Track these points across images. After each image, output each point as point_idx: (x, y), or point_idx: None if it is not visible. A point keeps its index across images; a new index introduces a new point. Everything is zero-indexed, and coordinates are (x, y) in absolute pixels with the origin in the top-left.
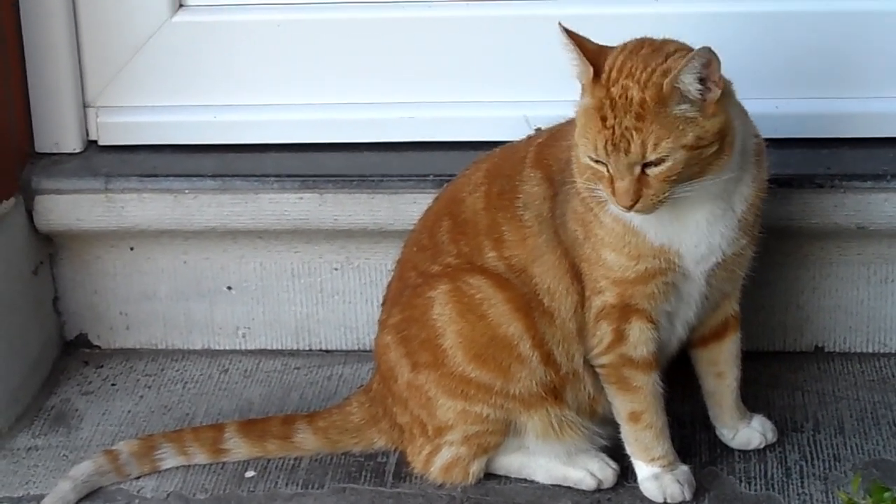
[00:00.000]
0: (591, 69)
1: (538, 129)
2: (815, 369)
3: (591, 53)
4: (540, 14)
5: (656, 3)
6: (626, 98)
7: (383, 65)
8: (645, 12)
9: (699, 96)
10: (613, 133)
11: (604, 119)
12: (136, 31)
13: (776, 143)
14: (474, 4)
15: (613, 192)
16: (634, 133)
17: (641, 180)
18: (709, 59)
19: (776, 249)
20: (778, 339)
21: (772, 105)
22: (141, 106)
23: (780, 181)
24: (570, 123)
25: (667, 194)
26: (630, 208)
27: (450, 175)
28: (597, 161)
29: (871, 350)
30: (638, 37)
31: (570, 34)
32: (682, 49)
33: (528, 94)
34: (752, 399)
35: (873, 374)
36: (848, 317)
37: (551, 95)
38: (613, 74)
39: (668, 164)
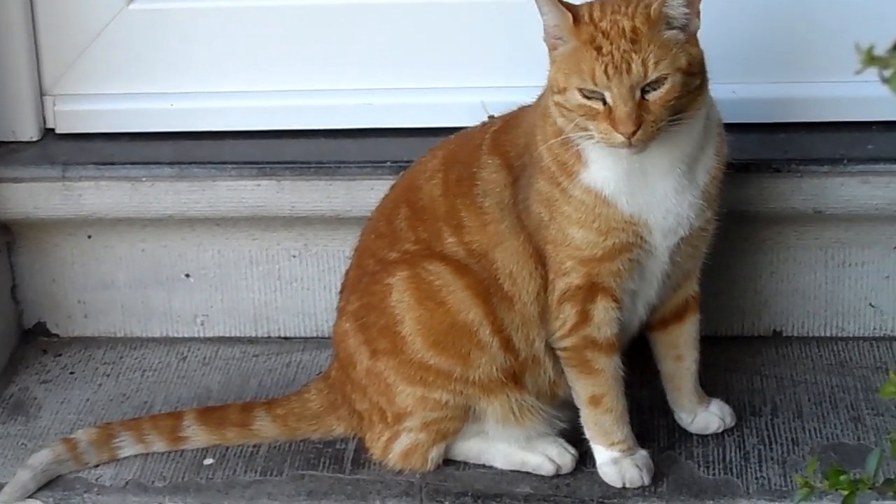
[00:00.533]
0: (570, 15)
1: (491, 117)
2: (774, 353)
3: (564, 5)
4: None
5: None
6: (619, 28)
7: (340, 51)
8: None
9: (685, 22)
10: (612, 57)
11: (599, 48)
12: (93, 19)
13: (734, 128)
14: None
15: (613, 124)
16: (634, 55)
17: (642, 105)
18: None
19: (734, 234)
20: (736, 324)
21: (729, 90)
22: (98, 94)
23: (738, 166)
24: (524, 110)
25: (662, 123)
26: (632, 135)
27: (407, 161)
28: (591, 96)
29: (828, 334)
30: None
31: None
32: None
33: (485, 80)
34: (710, 383)
35: (831, 357)
36: (806, 301)
37: (508, 81)
38: (597, 14)
39: (666, 86)
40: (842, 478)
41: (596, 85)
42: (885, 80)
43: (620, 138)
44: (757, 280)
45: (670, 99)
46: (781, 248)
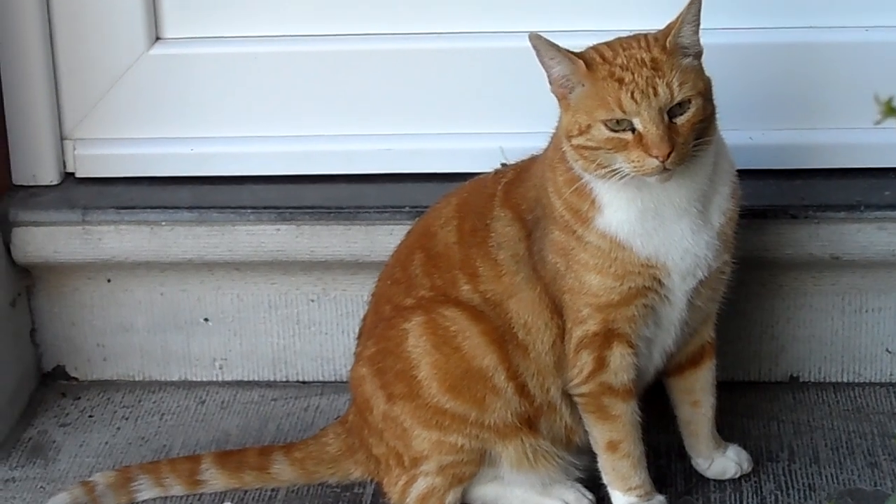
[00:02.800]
0: (582, 62)
1: (504, 164)
2: (790, 399)
3: (572, 52)
4: (513, 47)
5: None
6: (637, 59)
7: (359, 97)
8: None
9: (697, 49)
10: (637, 84)
11: (621, 80)
12: (114, 64)
13: (751, 175)
14: (449, 37)
15: (646, 148)
16: (658, 79)
17: (671, 128)
18: (699, 5)
19: (751, 280)
20: (753, 369)
21: (746, 136)
22: (118, 138)
23: (755, 212)
24: (534, 161)
25: (690, 146)
26: (667, 157)
27: (426, 206)
28: (618, 128)
29: (845, 380)
30: None
31: (546, 39)
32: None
33: (503, 126)
34: (727, 429)
35: (848, 403)
36: (822, 346)
37: (526, 127)
38: (608, 54)
39: (692, 108)
40: None
41: (625, 113)
42: None
43: (655, 162)
44: (774, 326)
45: (696, 122)
46: (798, 294)
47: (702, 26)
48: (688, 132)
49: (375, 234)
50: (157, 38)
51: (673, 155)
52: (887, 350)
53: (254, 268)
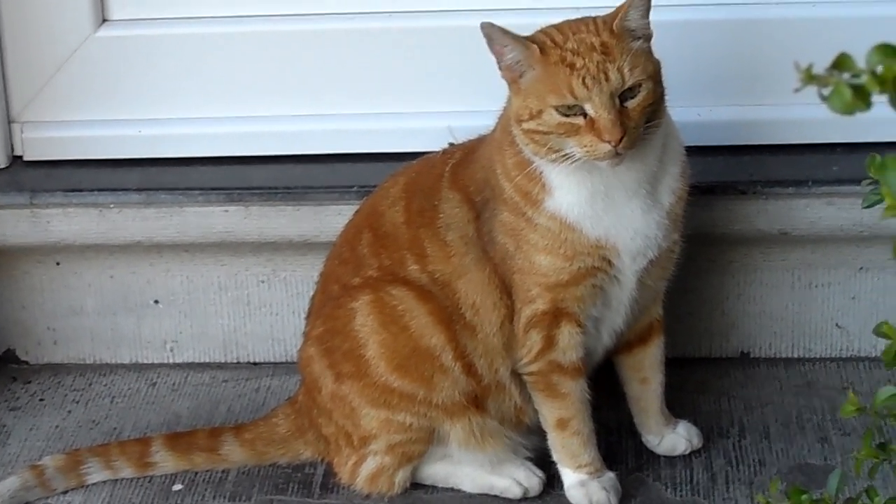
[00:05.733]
0: (536, 46)
1: (451, 144)
2: (741, 375)
3: (524, 37)
4: (461, 25)
5: (577, 13)
6: (587, 44)
7: (307, 77)
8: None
9: (645, 32)
10: (588, 70)
11: (572, 65)
12: (60, 47)
13: (699, 151)
14: (396, 16)
15: (598, 133)
16: (609, 64)
17: (623, 113)
18: None
19: (701, 256)
20: (704, 346)
21: (694, 113)
22: (66, 121)
23: (704, 188)
24: (481, 142)
25: (641, 130)
26: (619, 142)
27: (374, 186)
28: (570, 112)
29: (796, 355)
30: None
31: (498, 27)
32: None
33: (451, 105)
34: (678, 405)
35: (798, 378)
36: (773, 322)
37: (474, 105)
38: (559, 38)
39: (643, 92)
40: (803, 497)
41: (576, 98)
42: (824, 99)
43: (607, 147)
44: (724, 302)
45: (647, 105)
46: (748, 270)
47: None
48: (639, 116)
49: (324, 214)
50: (104, 20)
51: (625, 139)
52: (837, 325)
53: (203, 249)
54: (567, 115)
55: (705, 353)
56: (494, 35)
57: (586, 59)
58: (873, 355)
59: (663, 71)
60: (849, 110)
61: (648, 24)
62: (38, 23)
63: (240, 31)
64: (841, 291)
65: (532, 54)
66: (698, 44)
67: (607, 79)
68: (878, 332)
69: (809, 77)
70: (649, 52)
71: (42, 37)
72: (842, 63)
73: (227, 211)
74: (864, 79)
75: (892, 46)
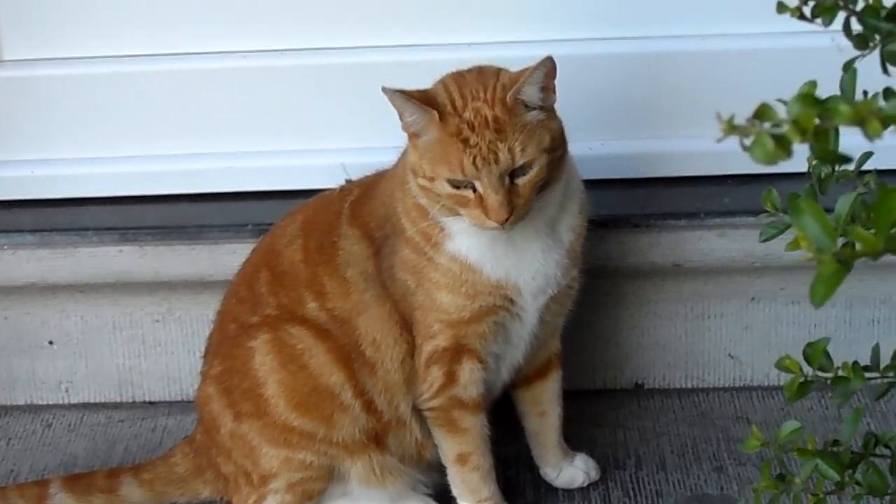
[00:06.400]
0: (436, 112)
1: (348, 181)
2: (636, 406)
3: (424, 100)
4: (355, 62)
5: (469, 49)
6: (482, 117)
7: (200, 115)
8: (459, 57)
9: (542, 102)
10: (480, 149)
11: (466, 140)
12: None
13: (592, 185)
14: (288, 54)
15: (486, 211)
16: (500, 143)
17: (511, 191)
18: (550, 68)
19: (595, 289)
20: (598, 378)
21: (586, 147)
22: None
23: (598, 222)
24: (381, 177)
25: (531, 202)
26: (505, 222)
27: (269, 224)
28: (460, 185)
29: (689, 385)
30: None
31: (399, 92)
32: (500, 69)
33: (345, 142)
34: (574, 438)
35: (692, 409)
36: (666, 353)
37: (368, 143)
38: (459, 103)
39: (534, 169)
40: None
41: (465, 176)
42: (746, 149)
43: (494, 224)
44: (618, 334)
45: (538, 181)
46: (642, 302)
47: (540, 39)
48: (528, 192)
49: (219, 252)
50: None
51: (511, 218)
52: (730, 355)
53: (97, 289)
54: (458, 188)
55: (600, 385)
56: (396, 101)
57: (479, 137)
58: (766, 384)
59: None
60: (771, 160)
61: (546, 94)
62: None
63: (130, 70)
64: (733, 322)
65: (431, 119)
66: (590, 78)
67: (496, 160)
68: (781, 366)
69: (731, 127)
70: (545, 121)
71: None
72: (763, 113)
73: (121, 251)
74: (785, 128)
75: (812, 96)
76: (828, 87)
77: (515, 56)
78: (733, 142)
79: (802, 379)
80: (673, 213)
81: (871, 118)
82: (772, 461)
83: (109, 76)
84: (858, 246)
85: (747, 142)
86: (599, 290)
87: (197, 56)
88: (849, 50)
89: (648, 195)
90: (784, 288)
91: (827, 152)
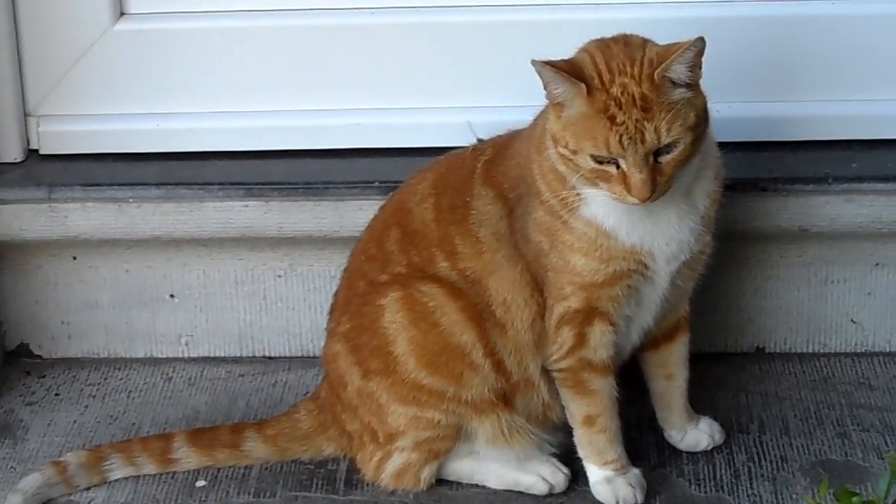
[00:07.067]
0: (584, 85)
1: (480, 140)
2: (758, 370)
3: (571, 72)
4: (482, 21)
5: (597, 9)
6: (629, 94)
7: (327, 72)
8: (586, 18)
9: (688, 80)
10: (626, 127)
11: (612, 118)
12: (78, 40)
13: (719, 148)
14: (416, 11)
15: (628, 188)
16: (646, 123)
17: (655, 169)
18: (701, 48)
19: (719, 252)
20: (720, 341)
21: (713, 110)
22: (82, 115)
23: (724, 185)
24: (515, 138)
25: (674, 179)
26: (647, 199)
27: (395, 182)
28: (604, 161)
29: (811, 350)
30: (591, 39)
31: (548, 64)
32: (646, 40)
33: (472, 100)
34: (696, 401)
35: (814, 374)
36: (789, 318)
37: (494, 101)
38: (606, 77)
39: (679, 147)
40: (854, 499)
41: (611, 153)
42: None
43: (634, 200)
44: (740, 298)
45: (682, 159)
46: (765, 266)
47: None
48: (672, 170)
49: (345, 209)
50: (122, 14)
51: (654, 195)
52: (852, 321)
53: (220, 244)
54: (601, 163)
55: (721, 348)
56: (544, 74)
57: (626, 115)
58: (888, 350)
59: None
60: None
61: (696, 73)
62: (55, 16)
63: (258, 25)
64: (857, 287)
65: (579, 92)
66: (718, 39)
67: (643, 140)
68: None
69: None
70: (691, 99)
71: (59, 30)
72: None
73: (246, 206)
74: None
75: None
76: None
77: (648, 18)
78: (861, 106)
79: None
80: (800, 178)
81: None
82: None
83: (236, 30)
84: None
85: None
86: (723, 254)
87: (324, 12)
88: None
89: (775, 159)
90: None
91: None
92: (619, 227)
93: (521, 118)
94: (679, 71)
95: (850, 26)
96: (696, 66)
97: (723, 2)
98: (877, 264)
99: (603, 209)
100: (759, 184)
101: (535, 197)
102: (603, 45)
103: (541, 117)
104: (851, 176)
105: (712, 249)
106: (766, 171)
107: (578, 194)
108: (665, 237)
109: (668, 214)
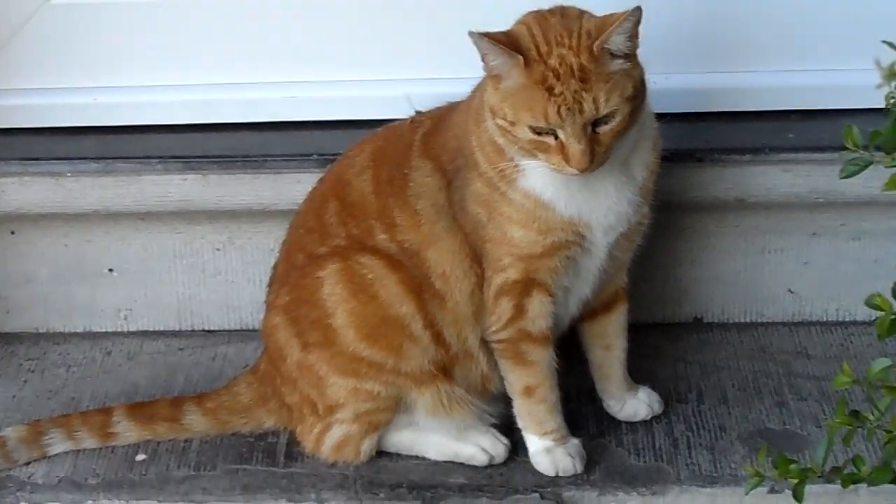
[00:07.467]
0: (521, 57)
1: (418, 112)
2: (696, 340)
3: (508, 43)
4: None
5: None
6: (567, 65)
7: (264, 44)
8: None
9: (626, 51)
10: (564, 98)
11: (550, 89)
12: (14, 14)
13: (657, 118)
14: None
15: (567, 159)
16: (584, 94)
17: (593, 139)
18: (639, 17)
19: (655, 223)
20: (657, 311)
21: (650, 81)
22: (20, 89)
23: (661, 156)
24: (453, 109)
25: (611, 150)
26: (586, 170)
27: (333, 154)
28: (542, 132)
29: (748, 320)
30: (528, 11)
31: (485, 36)
32: (582, 11)
33: (409, 72)
34: (634, 371)
35: (752, 343)
36: (726, 287)
37: (431, 73)
38: (543, 49)
39: (617, 118)
40: (792, 466)
41: (549, 124)
42: None
43: (573, 171)
44: (678, 268)
45: (620, 129)
46: (701, 236)
47: None
48: (610, 140)
49: (283, 182)
50: None
51: (592, 165)
52: (789, 290)
53: (159, 217)
54: (540, 134)
55: (658, 318)
56: (481, 45)
57: (564, 86)
58: (825, 320)
59: None
60: None
61: (634, 44)
62: None
63: None
64: (794, 257)
65: (516, 64)
66: (654, 11)
67: (581, 110)
68: (870, 303)
69: (892, 74)
70: (629, 70)
71: None
72: None
73: (185, 179)
74: None
75: None
76: None
77: None
78: (797, 76)
79: (893, 316)
80: (737, 148)
81: None
82: (845, 398)
83: (170, 3)
84: None
85: None
86: (660, 224)
87: None
88: None
89: (712, 130)
90: (845, 224)
91: None
92: (558, 199)
93: (459, 90)
94: (618, 42)
95: None
96: (633, 37)
97: None
98: (813, 234)
99: (541, 181)
100: (696, 154)
101: (474, 169)
102: (540, 16)
103: (478, 89)
104: (788, 146)
105: (650, 220)
106: (703, 141)
107: (517, 166)
108: (603, 208)
109: (606, 186)
